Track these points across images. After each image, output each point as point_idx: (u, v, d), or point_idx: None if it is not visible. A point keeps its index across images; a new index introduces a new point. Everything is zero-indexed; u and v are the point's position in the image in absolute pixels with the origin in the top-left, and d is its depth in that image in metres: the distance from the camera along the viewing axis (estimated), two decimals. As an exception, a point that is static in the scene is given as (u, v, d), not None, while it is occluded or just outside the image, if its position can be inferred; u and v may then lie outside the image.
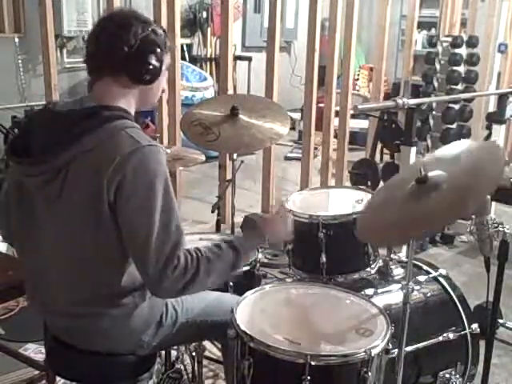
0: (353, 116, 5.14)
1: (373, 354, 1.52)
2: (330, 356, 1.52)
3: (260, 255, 2.17)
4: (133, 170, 1.43)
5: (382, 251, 2.25)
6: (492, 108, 5.45)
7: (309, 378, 1.47)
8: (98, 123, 1.47)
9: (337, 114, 4.78)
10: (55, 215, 1.52)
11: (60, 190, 1.48)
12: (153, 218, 1.43)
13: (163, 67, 1.58)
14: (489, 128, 4.48)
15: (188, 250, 1.48)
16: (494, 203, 3.51)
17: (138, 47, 1.50)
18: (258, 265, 2.14)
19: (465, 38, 5.15)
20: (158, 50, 1.54)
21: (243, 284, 1.99)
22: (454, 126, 5.09)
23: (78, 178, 1.47)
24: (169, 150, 2.59)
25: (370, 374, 1.52)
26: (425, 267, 2.26)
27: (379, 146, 5.46)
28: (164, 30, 1.60)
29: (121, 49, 1.49)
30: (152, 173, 1.45)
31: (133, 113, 1.59)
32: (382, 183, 4.35)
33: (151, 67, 1.53)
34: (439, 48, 5.24)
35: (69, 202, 1.48)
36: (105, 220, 1.46)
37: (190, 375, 2.27)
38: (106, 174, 1.42)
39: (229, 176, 3.78)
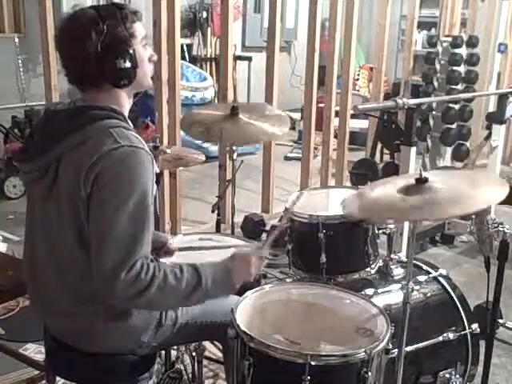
0: (353, 116, 5.14)
1: (373, 354, 1.52)
2: (330, 356, 1.52)
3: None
4: (110, 165, 1.43)
5: (382, 251, 2.25)
6: (492, 108, 5.45)
7: (309, 377, 1.47)
8: (85, 121, 1.48)
9: (337, 114, 4.78)
10: (47, 213, 1.53)
11: (50, 189, 1.50)
12: (118, 216, 1.41)
13: (137, 57, 1.52)
14: (489, 128, 4.47)
15: (147, 261, 1.44)
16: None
17: (102, 55, 1.47)
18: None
19: (465, 38, 5.14)
20: (123, 46, 1.49)
21: (243, 284, 1.99)
22: (453, 126, 5.08)
23: (63, 176, 1.49)
24: (169, 150, 2.59)
25: (369, 373, 1.52)
26: (425, 267, 2.26)
27: (379, 146, 5.46)
28: (119, 7, 1.51)
29: (87, 66, 1.47)
30: (129, 174, 1.43)
31: (126, 109, 1.59)
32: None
33: (123, 71, 1.50)
34: (439, 48, 5.23)
35: (57, 200, 1.50)
36: (84, 215, 1.46)
37: (190, 375, 2.27)
38: (83, 171, 1.43)
39: (229, 176, 3.78)
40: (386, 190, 1.78)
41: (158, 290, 1.44)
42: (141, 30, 1.55)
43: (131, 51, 1.51)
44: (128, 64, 1.50)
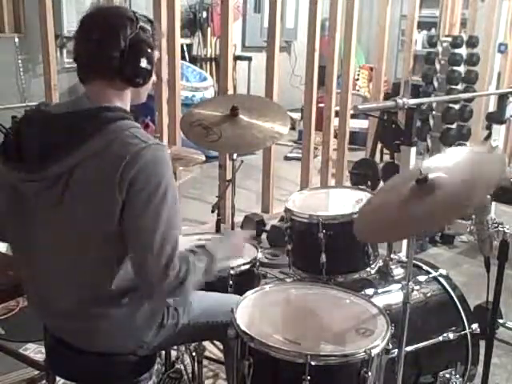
0: (353, 116, 5.14)
1: (373, 354, 1.52)
2: (330, 356, 1.52)
3: (260, 255, 2.17)
4: (144, 166, 1.43)
5: (382, 251, 2.25)
6: (492, 108, 5.45)
7: (309, 378, 1.47)
8: (101, 125, 1.45)
9: (337, 114, 4.78)
10: (55, 219, 1.50)
11: (61, 195, 1.46)
12: (160, 215, 1.44)
13: (154, 65, 1.57)
14: (489, 128, 4.48)
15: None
16: (494, 203, 3.51)
17: (128, 50, 1.48)
18: (257, 265, 2.14)
19: (465, 38, 5.15)
20: (148, 49, 1.52)
21: (243, 284, 2.00)
22: (453, 126, 5.08)
23: (82, 182, 1.44)
24: (169, 150, 2.58)
25: (369, 373, 1.52)
26: (425, 267, 2.26)
27: (379, 145, 5.46)
28: (151, 22, 1.57)
29: (112, 55, 1.47)
30: (160, 171, 1.46)
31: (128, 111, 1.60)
32: (382, 183, 4.35)
33: (143, 70, 1.52)
34: (439, 48, 5.24)
35: (71, 206, 1.46)
36: (115, 221, 1.44)
37: (190, 375, 2.27)
38: (116, 174, 1.41)
39: (229, 176, 3.78)
40: (387, 202, 1.79)
41: (192, 276, 1.49)
42: (157, 55, 1.60)
43: (153, 56, 1.55)
44: (148, 66, 1.53)
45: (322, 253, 2.13)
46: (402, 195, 1.71)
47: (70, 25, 5.51)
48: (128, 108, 1.59)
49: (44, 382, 2.38)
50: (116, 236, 1.47)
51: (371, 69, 6.87)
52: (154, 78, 1.63)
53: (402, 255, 2.31)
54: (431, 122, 5.18)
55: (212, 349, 2.53)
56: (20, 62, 5.43)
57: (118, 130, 1.46)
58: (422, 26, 7.05)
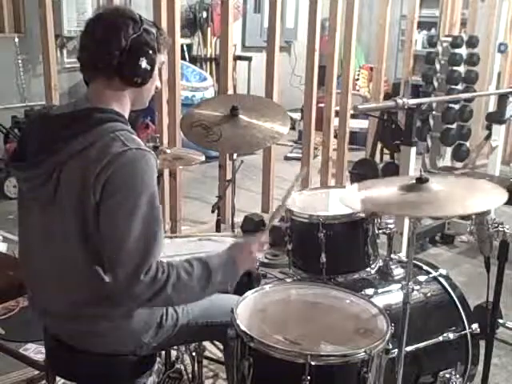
0: (353, 116, 5.14)
1: (373, 354, 1.51)
2: (330, 356, 1.52)
3: (260, 255, 2.17)
4: (120, 169, 1.43)
5: (382, 251, 2.25)
6: (492, 108, 5.46)
7: (309, 377, 1.47)
8: (89, 125, 1.47)
9: (337, 114, 4.78)
10: (49, 218, 1.52)
11: (53, 194, 1.49)
12: (132, 219, 1.42)
13: (155, 68, 1.57)
14: (489, 128, 4.48)
15: (160, 261, 1.47)
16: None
17: (129, 50, 1.49)
18: (257, 265, 2.14)
19: (465, 38, 5.15)
20: (150, 51, 1.53)
21: (243, 284, 1.99)
22: (453, 125, 5.08)
23: (68, 181, 1.47)
24: (169, 151, 2.59)
25: (369, 374, 1.52)
26: (425, 267, 2.26)
27: (379, 145, 5.46)
28: (158, 27, 1.58)
29: (112, 53, 1.48)
30: (139, 177, 1.44)
31: (127, 114, 1.60)
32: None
33: (142, 70, 1.52)
34: (439, 48, 5.24)
35: (61, 204, 1.49)
36: (93, 221, 1.46)
37: (190, 375, 2.27)
38: (93, 175, 1.42)
39: (229, 176, 3.78)
40: (386, 187, 1.79)
41: (172, 289, 1.47)
42: (164, 58, 1.61)
43: (154, 58, 1.55)
44: (147, 67, 1.53)
45: (322, 253, 2.14)
46: (400, 189, 1.72)
47: (70, 25, 5.52)
48: (126, 112, 1.59)
49: (44, 382, 2.38)
50: (97, 237, 1.47)
51: (371, 69, 6.87)
52: (158, 83, 1.64)
53: (402, 255, 2.31)
54: (431, 122, 5.18)
55: (212, 349, 2.53)
56: (20, 61, 5.44)
57: (104, 131, 1.47)
58: (421, 25, 7.06)
